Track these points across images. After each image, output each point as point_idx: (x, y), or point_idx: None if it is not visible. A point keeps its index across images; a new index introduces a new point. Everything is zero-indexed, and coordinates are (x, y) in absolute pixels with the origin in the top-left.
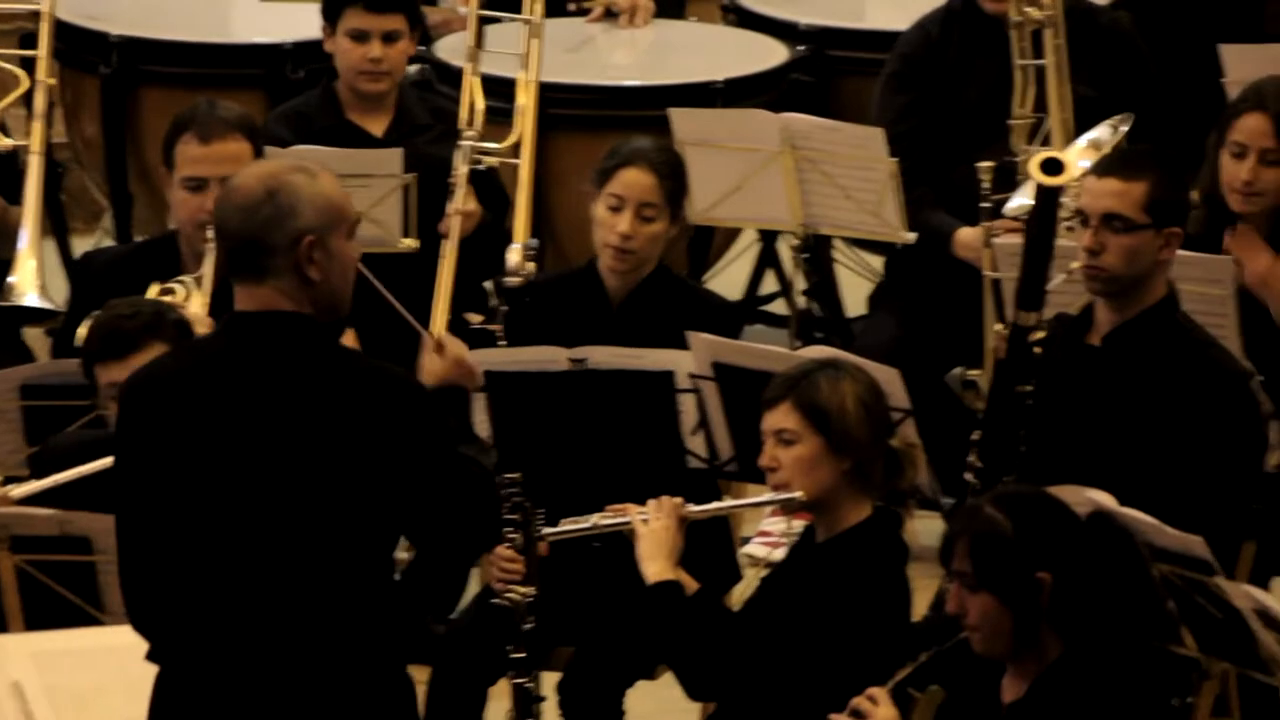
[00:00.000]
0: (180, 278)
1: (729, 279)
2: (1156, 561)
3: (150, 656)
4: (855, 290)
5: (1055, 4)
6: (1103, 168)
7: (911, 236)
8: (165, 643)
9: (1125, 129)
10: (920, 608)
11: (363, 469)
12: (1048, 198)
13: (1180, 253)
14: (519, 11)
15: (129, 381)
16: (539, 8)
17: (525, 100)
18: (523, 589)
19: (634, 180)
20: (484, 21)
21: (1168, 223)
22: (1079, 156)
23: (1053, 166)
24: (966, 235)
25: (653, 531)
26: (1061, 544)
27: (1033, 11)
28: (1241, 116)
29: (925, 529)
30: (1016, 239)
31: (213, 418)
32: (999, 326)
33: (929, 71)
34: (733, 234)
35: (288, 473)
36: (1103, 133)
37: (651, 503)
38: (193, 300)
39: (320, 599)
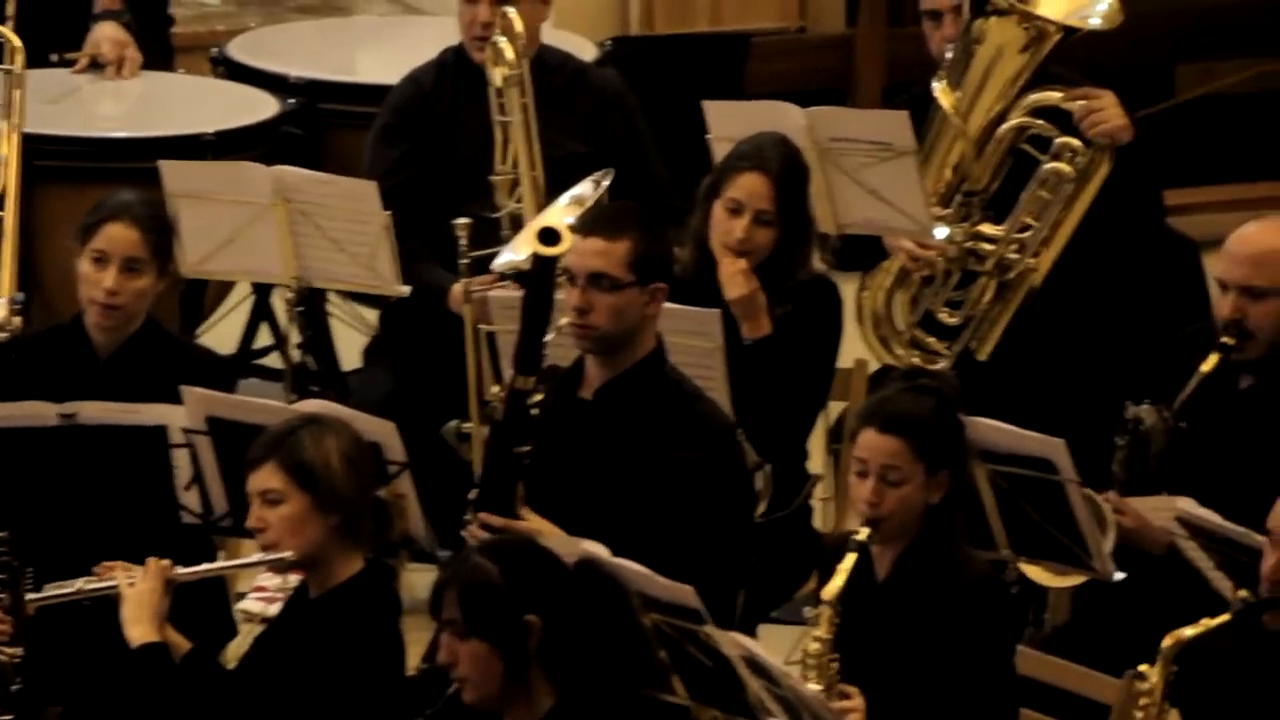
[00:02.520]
0: None
1: (222, 332)
2: (648, 611)
3: None
4: (351, 343)
5: (521, 63)
6: (586, 227)
7: (405, 290)
8: None
9: (607, 184)
10: (415, 660)
11: None
12: (544, 267)
13: (669, 306)
14: None
15: None
16: (20, 58)
17: (8, 151)
18: (10, 649)
19: (118, 235)
20: None
21: (653, 279)
22: (563, 214)
23: (550, 236)
24: (461, 289)
25: (137, 594)
26: (550, 589)
27: (501, 70)
28: (741, 174)
29: (422, 582)
30: (512, 293)
31: None
32: (496, 388)
33: (421, 123)
34: (226, 287)
35: None
36: (585, 189)
37: (137, 567)
38: None
39: None
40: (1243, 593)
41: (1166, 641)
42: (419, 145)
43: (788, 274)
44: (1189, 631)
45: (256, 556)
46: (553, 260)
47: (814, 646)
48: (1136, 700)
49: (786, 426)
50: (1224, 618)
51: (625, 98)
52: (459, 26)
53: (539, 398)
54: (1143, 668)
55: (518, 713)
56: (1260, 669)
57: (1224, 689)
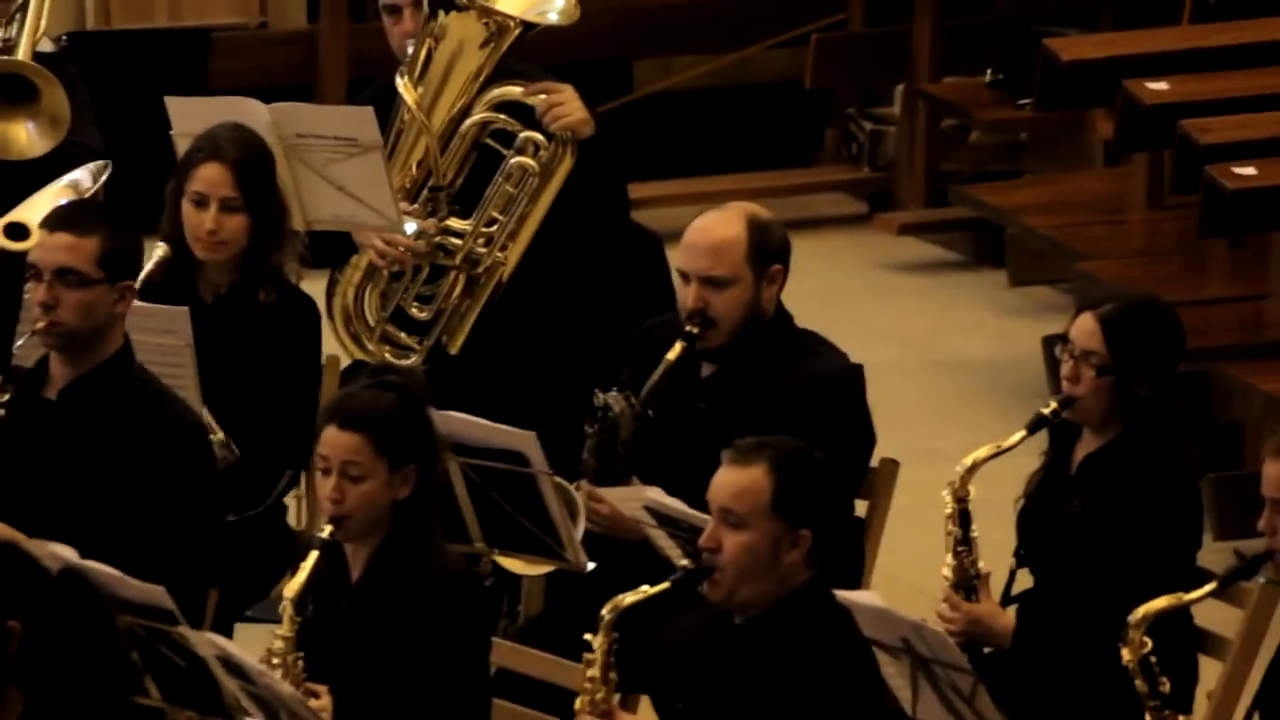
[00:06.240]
0: None
1: None
2: (120, 613)
3: None
4: None
5: None
6: (53, 222)
7: None
8: None
9: (105, 177)
10: None
11: None
12: (11, 263)
13: (137, 304)
14: None
15: None
16: None
17: None
18: None
19: None
20: None
21: (121, 276)
22: (58, 196)
23: (17, 231)
24: None
25: None
26: (31, 593)
27: None
28: (200, 166)
29: None
30: None
31: None
32: None
33: None
34: None
35: None
36: (83, 177)
37: None
38: None
39: None
40: (685, 561)
41: (605, 609)
42: None
43: (268, 259)
44: (628, 599)
45: None
46: (20, 256)
47: (278, 644)
48: (584, 671)
49: (274, 428)
50: (663, 585)
51: (80, 91)
52: None
53: (5, 398)
54: (588, 636)
55: None
56: (723, 657)
57: (691, 679)
